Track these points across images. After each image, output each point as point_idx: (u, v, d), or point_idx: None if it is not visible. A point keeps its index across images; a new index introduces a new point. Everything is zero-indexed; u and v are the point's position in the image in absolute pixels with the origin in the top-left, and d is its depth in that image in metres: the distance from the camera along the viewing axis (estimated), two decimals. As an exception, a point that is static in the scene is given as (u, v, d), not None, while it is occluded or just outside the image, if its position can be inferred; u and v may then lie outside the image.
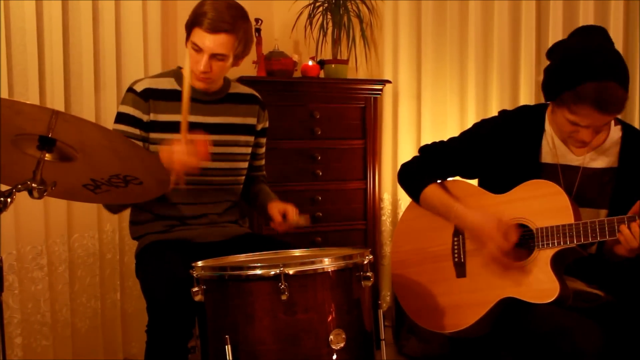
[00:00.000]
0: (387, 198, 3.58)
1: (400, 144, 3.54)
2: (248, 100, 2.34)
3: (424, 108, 3.49)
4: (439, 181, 2.13)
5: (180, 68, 2.26)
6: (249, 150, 2.34)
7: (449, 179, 2.14)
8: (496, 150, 2.03)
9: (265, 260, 1.85)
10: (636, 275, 1.97)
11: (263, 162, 2.48)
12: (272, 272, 1.60)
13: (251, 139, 2.34)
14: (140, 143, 2.15)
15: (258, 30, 3.31)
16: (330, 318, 1.64)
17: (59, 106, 2.79)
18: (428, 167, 2.12)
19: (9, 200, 1.47)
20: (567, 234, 1.81)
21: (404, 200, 3.37)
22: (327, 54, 3.53)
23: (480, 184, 2.12)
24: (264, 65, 3.30)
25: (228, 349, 1.61)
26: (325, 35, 3.52)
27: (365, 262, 1.70)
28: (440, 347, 2.89)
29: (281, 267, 1.59)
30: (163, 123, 2.16)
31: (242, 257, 1.92)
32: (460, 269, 2.00)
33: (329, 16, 3.50)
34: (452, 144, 2.13)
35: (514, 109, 2.11)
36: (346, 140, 3.37)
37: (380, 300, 3.46)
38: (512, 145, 2.01)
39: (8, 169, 1.61)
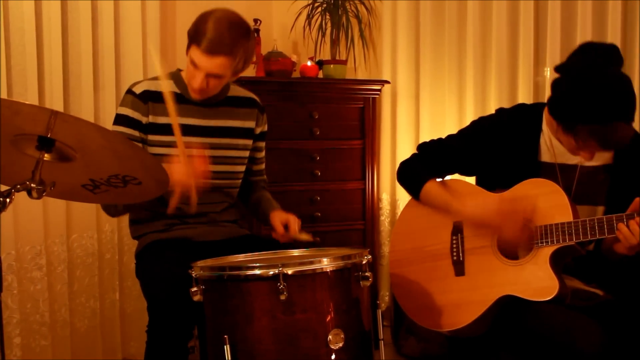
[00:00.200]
0: (385, 198, 3.59)
1: (398, 144, 3.54)
2: (247, 104, 2.33)
3: (422, 108, 3.49)
4: (438, 179, 2.13)
5: (179, 70, 2.25)
6: (247, 153, 2.34)
7: (447, 176, 2.14)
8: (494, 148, 2.03)
9: (264, 260, 1.86)
10: (634, 273, 1.98)
11: (263, 166, 2.46)
12: (271, 272, 1.60)
13: (249, 142, 2.33)
14: (139, 145, 2.15)
15: (257, 31, 3.32)
16: (329, 318, 1.64)
17: (58, 106, 2.79)
18: (426, 164, 2.12)
19: (7, 200, 1.47)
20: (567, 231, 1.82)
21: (403, 200, 3.37)
22: (325, 54, 3.53)
23: (478, 182, 2.13)
24: (262, 66, 3.30)
25: (227, 348, 1.62)
26: (324, 35, 3.52)
27: (364, 262, 1.71)
28: (439, 346, 2.90)
29: (280, 267, 1.59)
30: (162, 125, 2.15)
31: (241, 257, 1.92)
32: (459, 268, 2.01)
33: (327, 16, 3.51)
34: (450, 142, 2.13)
35: (512, 107, 2.11)
36: (345, 141, 3.38)
37: (378, 300, 3.50)
38: (510, 143, 2.02)
39: (7, 169, 1.61)
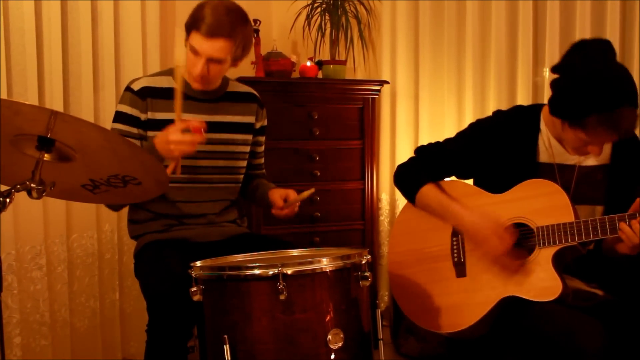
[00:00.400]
0: (385, 198, 3.59)
1: (398, 144, 3.55)
2: (246, 99, 2.34)
3: (421, 108, 3.50)
4: (435, 182, 2.13)
5: (177, 66, 2.26)
6: (247, 148, 2.35)
7: (445, 179, 2.14)
8: (492, 150, 2.03)
9: (264, 260, 1.86)
10: (635, 273, 1.98)
11: (262, 160, 2.48)
12: (271, 272, 1.60)
13: (249, 137, 2.34)
14: (138, 142, 2.15)
15: (256, 31, 3.31)
16: (328, 318, 1.64)
17: (58, 106, 2.79)
18: (424, 168, 2.11)
19: (7, 200, 1.47)
20: (569, 232, 1.83)
21: (402, 200, 3.35)
22: (325, 55, 3.54)
23: (476, 184, 2.13)
24: (262, 66, 3.30)
25: (226, 348, 1.62)
26: (323, 36, 3.52)
27: (363, 262, 1.71)
28: (439, 346, 2.90)
29: (279, 267, 1.59)
30: (161, 121, 2.15)
31: (240, 257, 1.92)
32: (460, 269, 2.01)
33: (327, 17, 3.51)
34: (447, 145, 2.12)
35: (509, 109, 2.11)
36: (344, 141, 3.38)
37: (378, 300, 3.50)
38: (508, 145, 2.02)
39: (7, 169, 1.61)
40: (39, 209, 2.77)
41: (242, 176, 2.35)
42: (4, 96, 2.66)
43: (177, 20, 3.32)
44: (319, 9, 3.52)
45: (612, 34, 2.77)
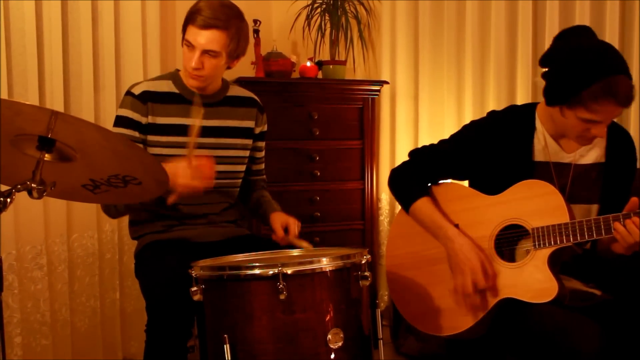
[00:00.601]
0: (384, 198, 3.59)
1: (397, 144, 3.55)
2: (246, 104, 2.34)
3: (421, 109, 3.50)
4: (430, 185, 2.10)
5: (178, 70, 2.26)
6: (246, 153, 2.35)
7: (440, 181, 2.13)
8: (487, 151, 2.03)
9: (264, 260, 1.86)
10: (633, 273, 1.98)
11: (263, 166, 2.47)
12: (271, 272, 1.61)
13: (249, 142, 2.34)
14: (139, 145, 2.15)
15: (256, 31, 3.32)
16: (328, 317, 1.65)
17: (59, 107, 2.80)
18: (418, 172, 2.09)
19: (8, 200, 1.47)
20: (564, 233, 1.83)
21: (402, 200, 3.38)
22: (325, 55, 3.54)
23: (471, 186, 2.12)
24: (262, 66, 3.31)
25: (227, 348, 1.62)
26: (323, 36, 3.53)
27: (363, 262, 1.71)
28: (438, 346, 2.90)
29: (279, 267, 1.60)
30: (161, 125, 2.16)
31: (240, 257, 1.93)
32: None
33: (327, 17, 3.52)
34: (441, 147, 2.11)
35: (503, 109, 2.11)
36: (344, 141, 3.39)
37: (378, 300, 3.51)
38: (504, 145, 2.01)
39: (8, 169, 1.61)
40: (39, 209, 2.78)
41: (240, 180, 2.35)
42: (5, 96, 2.67)
43: (177, 20, 3.32)
44: (318, 9, 3.52)
45: (612, 34, 2.78)
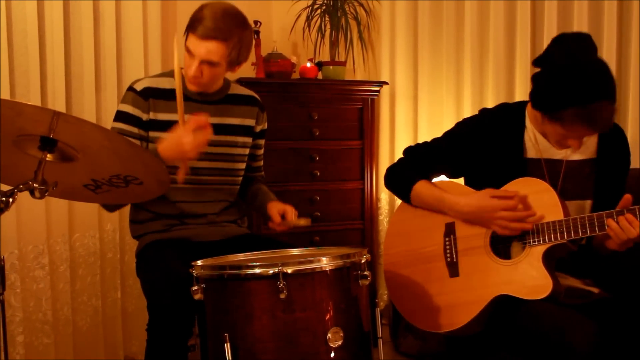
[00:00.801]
0: (384, 198, 3.60)
1: (397, 144, 3.56)
2: (247, 102, 2.35)
3: (420, 109, 3.51)
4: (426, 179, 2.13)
5: (180, 68, 2.27)
6: (246, 151, 2.35)
7: (434, 179, 2.15)
8: (480, 148, 2.04)
9: (264, 259, 1.86)
10: (629, 270, 1.99)
11: (262, 163, 2.49)
12: (271, 271, 1.61)
13: (249, 140, 2.35)
14: (138, 141, 2.16)
15: (257, 32, 3.33)
16: (328, 316, 1.65)
17: (60, 107, 2.81)
18: (414, 167, 2.12)
19: (10, 200, 1.48)
20: (558, 230, 1.84)
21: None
22: (325, 56, 3.55)
23: (466, 183, 2.13)
24: (262, 67, 3.32)
25: (227, 347, 1.63)
26: (323, 37, 3.54)
27: (363, 261, 1.72)
28: (437, 344, 2.91)
29: (280, 266, 1.60)
30: (162, 122, 2.17)
31: (241, 257, 1.93)
32: (453, 269, 2.02)
33: (327, 18, 3.52)
34: (435, 144, 2.14)
35: (494, 107, 2.13)
36: (344, 141, 3.40)
37: (377, 299, 3.52)
38: (495, 142, 2.03)
39: (10, 169, 1.62)
40: (41, 209, 2.78)
41: (240, 178, 2.36)
42: (7, 97, 2.67)
43: (178, 21, 3.34)
44: (318, 11, 3.53)
45: (609, 34, 2.79)
